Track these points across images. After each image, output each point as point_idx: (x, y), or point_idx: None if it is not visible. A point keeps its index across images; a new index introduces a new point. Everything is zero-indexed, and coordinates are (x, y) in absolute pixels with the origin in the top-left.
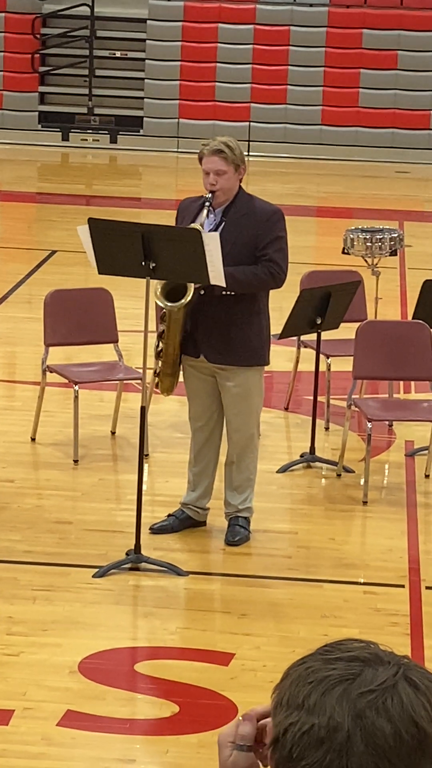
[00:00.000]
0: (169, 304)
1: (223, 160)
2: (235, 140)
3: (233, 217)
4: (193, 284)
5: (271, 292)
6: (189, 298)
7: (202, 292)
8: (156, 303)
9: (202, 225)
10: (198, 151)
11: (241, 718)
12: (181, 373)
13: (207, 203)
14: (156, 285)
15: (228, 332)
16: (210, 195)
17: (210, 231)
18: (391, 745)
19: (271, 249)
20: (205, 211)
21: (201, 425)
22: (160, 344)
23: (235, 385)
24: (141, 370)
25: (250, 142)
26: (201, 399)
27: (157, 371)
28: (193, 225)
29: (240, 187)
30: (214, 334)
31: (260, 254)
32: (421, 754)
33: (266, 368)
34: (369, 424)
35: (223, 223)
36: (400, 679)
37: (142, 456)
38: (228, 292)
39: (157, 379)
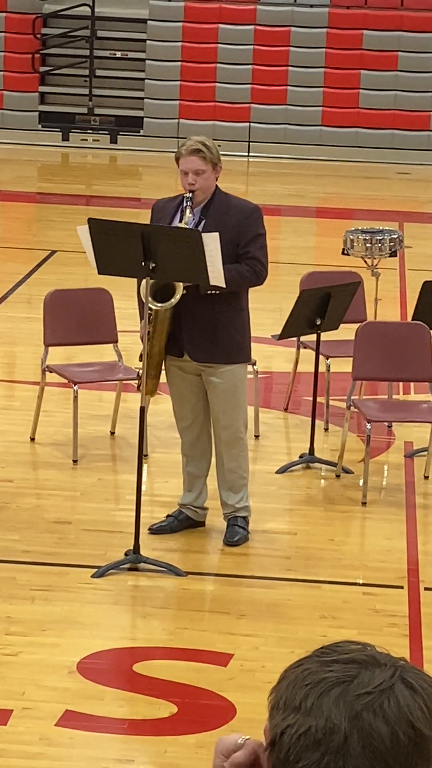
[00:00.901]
0: (157, 304)
1: (201, 160)
2: (210, 139)
3: (212, 216)
4: (181, 284)
5: (270, 293)
6: (178, 298)
7: (185, 291)
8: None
9: (186, 224)
10: (175, 152)
11: (242, 741)
12: (164, 373)
13: (187, 202)
14: (142, 286)
15: (212, 330)
16: (190, 195)
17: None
18: (388, 747)
19: (253, 247)
20: (188, 212)
21: (187, 425)
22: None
23: (221, 382)
24: (140, 371)
25: (251, 143)
26: (186, 399)
27: (140, 373)
28: (180, 224)
29: (216, 185)
30: (199, 332)
31: (242, 252)
32: (417, 756)
33: (266, 368)
34: (368, 425)
35: (203, 222)
36: (397, 681)
37: (141, 456)
38: (212, 291)
39: (139, 381)
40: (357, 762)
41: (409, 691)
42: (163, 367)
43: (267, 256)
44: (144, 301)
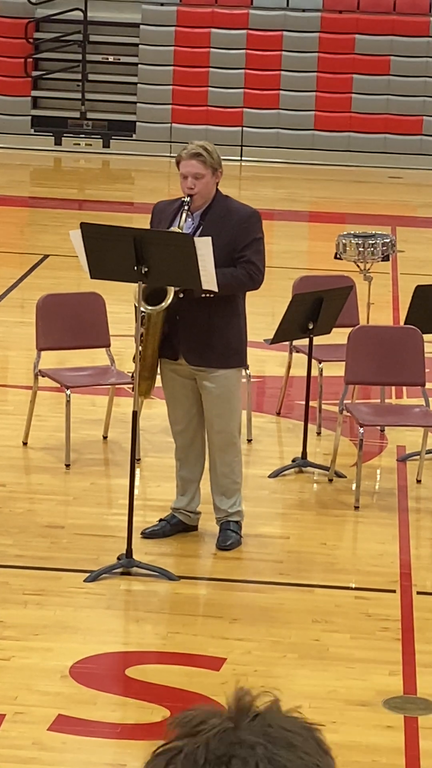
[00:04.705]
0: (149, 307)
1: (201, 164)
2: (212, 144)
3: (211, 220)
4: (173, 288)
5: (263, 297)
6: (169, 302)
7: (181, 295)
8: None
9: (181, 228)
10: (175, 156)
11: None
12: (159, 377)
13: (186, 206)
14: (135, 289)
15: (208, 334)
16: (188, 198)
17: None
18: None
19: (249, 251)
20: (184, 215)
21: (181, 429)
22: (139, 347)
23: (216, 386)
24: (132, 375)
25: (243, 147)
26: (180, 402)
27: (134, 374)
28: (173, 228)
29: (217, 190)
30: (194, 336)
31: (238, 256)
32: None
33: (258, 373)
34: (361, 429)
35: (201, 227)
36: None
37: (134, 460)
38: (207, 295)
39: (133, 383)
40: None
41: None
42: (158, 370)
43: (264, 261)
44: (136, 304)
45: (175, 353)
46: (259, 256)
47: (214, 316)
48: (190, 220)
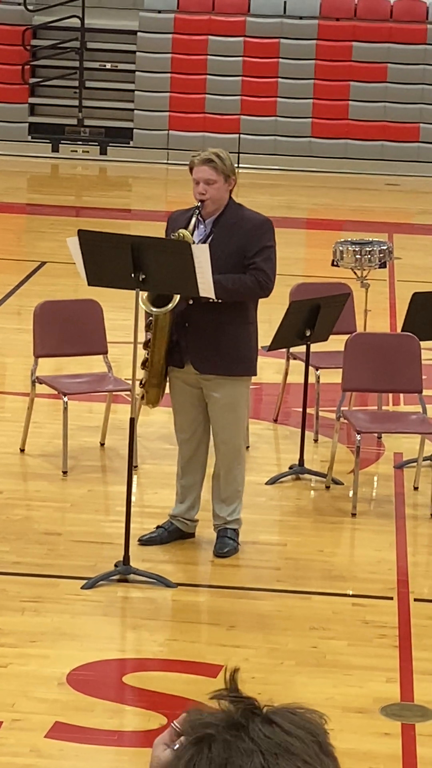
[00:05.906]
0: (155, 309)
1: (212, 170)
2: (226, 152)
3: (223, 228)
4: None
5: (261, 304)
6: (175, 303)
7: (191, 301)
8: (143, 310)
9: (190, 231)
10: (188, 162)
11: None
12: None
13: (197, 211)
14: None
15: (217, 341)
16: (200, 204)
17: (200, 242)
18: None
19: (259, 258)
20: (194, 220)
21: (187, 437)
22: (146, 354)
23: (222, 396)
24: (130, 382)
25: (240, 154)
26: (187, 410)
27: (143, 382)
28: (181, 230)
29: (230, 198)
30: (203, 342)
31: (248, 263)
32: None
33: (255, 380)
34: (358, 436)
35: (213, 234)
36: None
37: (131, 467)
38: (216, 301)
39: (143, 390)
40: None
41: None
42: (167, 378)
43: (274, 269)
44: (142, 305)
45: (182, 360)
46: (269, 263)
47: (224, 323)
48: (202, 227)
